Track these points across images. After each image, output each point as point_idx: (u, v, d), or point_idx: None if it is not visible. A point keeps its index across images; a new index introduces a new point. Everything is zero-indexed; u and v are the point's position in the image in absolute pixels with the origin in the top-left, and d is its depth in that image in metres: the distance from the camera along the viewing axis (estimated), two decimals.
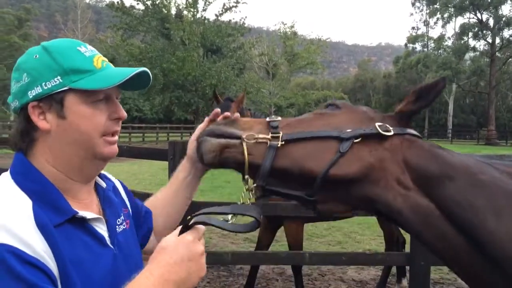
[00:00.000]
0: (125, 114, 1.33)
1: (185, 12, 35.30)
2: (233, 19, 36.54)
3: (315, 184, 1.34)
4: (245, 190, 1.43)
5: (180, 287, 1.11)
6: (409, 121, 1.46)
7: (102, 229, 1.28)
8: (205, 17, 35.31)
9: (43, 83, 1.20)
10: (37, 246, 1.06)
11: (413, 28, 67.42)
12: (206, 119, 1.60)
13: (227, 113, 1.55)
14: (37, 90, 1.20)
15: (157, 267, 1.10)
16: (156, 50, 32.41)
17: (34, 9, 60.43)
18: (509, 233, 1.21)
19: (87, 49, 1.29)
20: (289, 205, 4.17)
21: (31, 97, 1.21)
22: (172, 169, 4.00)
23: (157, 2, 34.26)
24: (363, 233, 8.06)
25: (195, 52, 32.28)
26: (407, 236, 5.06)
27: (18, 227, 1.05)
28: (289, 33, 48.54)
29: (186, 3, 34.97)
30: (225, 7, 34.87)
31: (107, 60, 1.32)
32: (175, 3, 35.58)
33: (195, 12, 34.95)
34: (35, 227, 1.08)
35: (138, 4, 34.76)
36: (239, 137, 1.39)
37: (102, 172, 1.47)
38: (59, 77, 1.21)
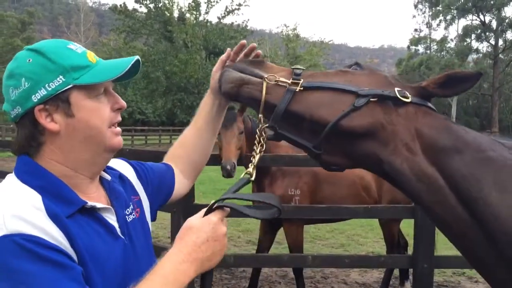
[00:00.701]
0: (124, 103, 1.36)
1: (187, 15, 35.38)
2: (236, 21, 36.62)
3: (324, 132, 1.39)
4: (258, 129, 1.51)
5: (204, 264, 1.21)
6: (428, 100, 1.47)
7: (112, 219, 1.30)
8: (207, 19, 35.38)
9: (46, 85, 1.20)
10: (55, 233, 1.08)
11: (415, 30, 67.33)
12: (227, 52, 1.72)
13: (253, 45, 1.68)
14: (41, 93, 1.20)
15: (185, 246, 1.19)
16: (159, 53, 32.48)
17: (37, 12, 60.69)
18: (510, 208, 1.23)
19: (77, 46, 1.30)
20: (289, 207, 4.16)
21: (36, 100, 1.20)
22: None
23: (159, 5, 34.35)
24: (366, 235, 8.04)
25: (197, 55, 32.31)
26: (409, 239, 5.04)
27: (34, 217, 1.07)
28: (292, 35, 48.66)
29: (188, 5, 35.07)
30: (228, 9, 34.92)
31: (96, 56, 1.34)
32: (177, 6, 35.68)
33: (198, 15, 35.03)
34: (48, 218, 1.10)
35: (140, 7, 34.87)
36: (261, 77, 1.46)
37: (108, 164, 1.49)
38: (61, 76, 1.21)
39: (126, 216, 1.37)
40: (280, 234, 5.10)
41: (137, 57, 1.33)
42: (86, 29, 50.08)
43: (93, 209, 1.24)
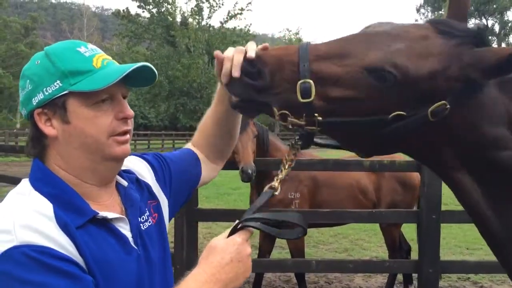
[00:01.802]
0: (131, 112, 1.29)
1: (190, 20, 35.53)
2: (238, 26, 36.66)
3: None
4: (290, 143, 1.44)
5: (228, 285, 1.16)
6: None
7: (125, 229, 1.27)
8: (210, 24, 35.60)
9: (44, 89, 1.19)
10: (65, 243, 1.08)
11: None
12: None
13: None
14: (39, 97, 1.19)
15: (209, 267, 1.15)
16: (162, 57, 32.64)
17: (41, 17, 60.93)
18: None
19: (87, 49, 1.25)
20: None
21: (35, 104, 1.20)
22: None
23: (162, 10, 34.54)
24: (370, 240, 8.00)
25: (200, 59, 32.44)
26: (413, 243, 5.01)
27: (43, 227, 1.07)
28: (294, 39, 48.69)
29: (191, 10, 35.24)
30: (230, 14, 35.10)
31: (110, 58, 1.28)
32: (180, 10, 35.85)
33: (200, 20, 35.20)
34: (58, 227, 1.09)
35: (143, 12, 35.11)
36: (272, 111, 1.29)
37: (126, 166, 1.44)
38: (58, 81, 1.18)
39: (141, 224, 1.33)
40: (282, 239, 5.08)
41: (143, 63, 1.27)
42: (89, 34, 50.28)
43: (105, 220, 1.21)
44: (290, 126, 1.29)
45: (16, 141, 29.14)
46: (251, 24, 37.00)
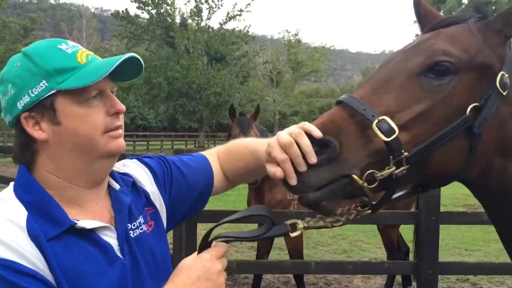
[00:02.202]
0: (123, 107, 1.22)
1: (189, 21, 35.55)
2: (237, 27, 36.66)
3: None
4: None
5: None
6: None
7: (111, 237, 1.20)
8: (209, 25, 35.59)
9: (30, 91, 1.12)
10: (32, 257, 1.04)
11: (417, 35, 67.22)
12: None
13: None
14: (25, 100, 1.13)
15: (174, 287, 1.09)
16: (161, 59, 32.61)
17: (40, 18, 60.97)
18: None
19: (69, 46, 1.19)
20: (292, 213, 4.14)
21: (20, 108, 1.14)
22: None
23: (161, 11, 34.55)
24: (369, 241, 7.99)
25: (199, 60, 32.43)
26: (411, 245, 5.01)
27: (12, 239, 1.03)
28: (293, 41, 48.77)
29: (190, 11, 35.25)
30: (229, 15, 35.09)
31: (93, 54, 1.22)
32: (179, 11, 35.87)
33: (199, 21, 35.21)
34: (28, 238, 1.05)
35: (142, 13, 35.11)
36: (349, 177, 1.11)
37: (123, 169, 1.40)
38: (44, 81, 1.12)
39: (130, 231, 1.26)
40: (282, 240, 5.08)
41: (130, 54, 1.20)
42: (88, 35, 50.28)
43: (85, 229, 1.15)
44: (375, 185, 1.12)
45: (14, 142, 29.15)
46: (250, 25, 37.01)
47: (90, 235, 1.16)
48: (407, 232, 5.93)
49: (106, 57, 1.25)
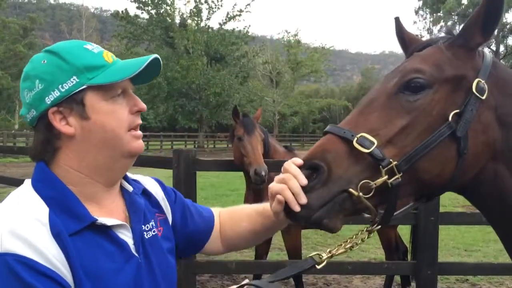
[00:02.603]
0: (144, 105, 1.28)
1: (189, 21, 35.56)
2: (237, 27, 36.73)
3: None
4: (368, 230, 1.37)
5: None
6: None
7: (127, 236, 1.23)
8: (209, 25, 35.60)
9: (60, 86, 1.15)
10: (51, 255, 1.05)
11: (416, 36, 67.52)
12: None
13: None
14: (54, 95, 1.15)
15: None
16: (160, 59, 32.58)
17: (39, 18, 60.88)
18: None
19: (94, 46, 1.24)
20: None
21: (49, 103, 1.16)
22: (176, 178, 3.98)
23: (161, 11, 34.55)
24: (368, 241, 7.94)
25: (199, 61, 32.45)
26: (410, 245, 5.02)
27: (32, 236, 1.04)
28: (293, 41, 48.78)
29: (190, 12, 35.26)
30: (229, 15, 35.12)
31: (114, 56, 1.28)
32: (179, 12, 35.87)
33: (199, 21, 35.22)
34: (50, 235, 1.07)
35: (142, 13, 35.13)
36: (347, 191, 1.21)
37: (133, 176, 1.44)
38: (75, 77, 1.15)
39: (145, 232, 1.30)
40: (281, 240, 5.08)
41: (155, 55, 1.26)
42: (88, 35, 50.23)
43: (105, 226, 1.18)
44: (371, 194, 1.21)
45: (14, 142, 29.11)
46: (250, 26, 37.02)
47: (108, 232, 1.19)
48: (406, 232, 5.93)
49: None
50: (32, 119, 1.20)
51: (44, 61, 1.19)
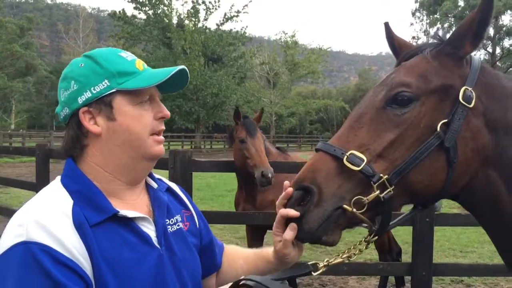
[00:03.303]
0: (168, 112, 1.37)
1: (186, 22, 35.54)
2: (234, 28, 36.70)
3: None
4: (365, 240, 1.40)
5: None
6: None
7: (149, 228, 1.30)
8: (206, 26, 35.56)
9: (92, 88, 1.26)
10: (72, 246, 1.12)
11: (413, 37, 67.34)
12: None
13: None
14: (86, 95, 1.26)
15: None
16: (158, 59, 32.57)
17: (36, 18, 60.69)
18: None
19: (128, 54, 1.35)
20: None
21: (81, 102, 1.26)
22: (172, 179, 3.99)
23: (158, 12, 34.50)
24: None
25: (196, 61, 32.43)
26: (408, 246, 5.03)
27: (56, 227, 1.12)
28: (290, 42, 48.77)
29: (187, 12, 35.23)
30: (226, 16, 35.11)
31: (145, 64, 1.37)
32: (176, 12, 35.84)
33: (196, 22, 35.19)
34: (73, 226, 1.15)
35: (139, 13, 35.06)
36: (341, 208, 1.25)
37: (157, 176, 1.53)
38: (106, 81, 1.26)
39: (169, 226, 1.38)
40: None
41: (182, 66, 1.35)
42: (85, 35, 50.09)
43: (127, 218, 1.25)
44: (365, 209, 1.25)
45: (10, 142, 29.01)
46: (247, 27, 37.01)
47: (130, 224, 1.26)
48: (402, 233, 5.94)
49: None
50: (65, 117, 1.30)
51: (81, 64, 1.30)
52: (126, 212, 1.25)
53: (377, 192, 1.24)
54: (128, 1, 33.77)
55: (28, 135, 33.93)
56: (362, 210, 1.25)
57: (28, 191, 9.55)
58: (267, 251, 1.52)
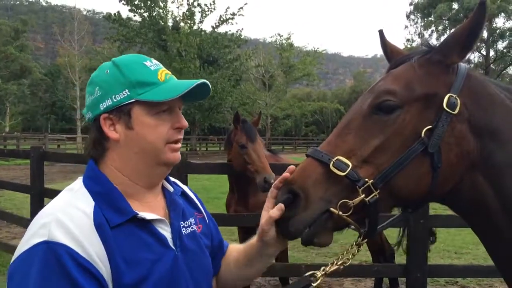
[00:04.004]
0: (186, 123, 1.40)
1: (181, 24, 35.48)
2: (230, 30, 36.74)
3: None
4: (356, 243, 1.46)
5: None
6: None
7: (165, 230, 1.35)
8: (201, 28, 35.50)
9: (113, 96, 1.29)
10: (91, 248, 1.15)
11: (408, 40, 67.56)
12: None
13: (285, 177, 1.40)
14: (107, 103, 1.29)
15: None
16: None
17: (31, 20, 60.54)
18: None
19: (152, 63, 1.36)
20: None
21: (102, 109, 1.30)
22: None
23: (154, 14, 34.42)
24: None
25: (191, 64, 32.39)
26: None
27: (77, 228, 1.15)
28: (286, 44, 48.75)
29: (183, 15, 35.20)
30: (222, 19, 35.08)
31: (170, 73, 1.39)
32: (172, 15, 35.78)
33: (192, 24, 35.14)
34: (93, 226, 1.18)
35: (135, 16, 34.96)
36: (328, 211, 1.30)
37: (173, 179, 1.57)
38: (126, 90, 1.29)
39: (183, 229, 1.42)
40: None
41: (203, 80, 1.37)
42: (80, 37, 49.83)
43: (145, 220, 1.29)
44: (351, 212, 1.30)
45: (4, 144, 28.87)
46: (242, 29, 36.95)
47: (148, 226, 1.30)
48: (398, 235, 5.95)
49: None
50: (89, 120, 1.36)
51: (107, 71, 1.34)
52: (145, 214, 1.29)
53: (362, 196, 1.29)
54: (123, 4, 33.71)
55: (23, 137, 33.77)
56: (348, 213, 1.30)
57: (22, 194, 9.49)
58: (254, 237, 1.57)
